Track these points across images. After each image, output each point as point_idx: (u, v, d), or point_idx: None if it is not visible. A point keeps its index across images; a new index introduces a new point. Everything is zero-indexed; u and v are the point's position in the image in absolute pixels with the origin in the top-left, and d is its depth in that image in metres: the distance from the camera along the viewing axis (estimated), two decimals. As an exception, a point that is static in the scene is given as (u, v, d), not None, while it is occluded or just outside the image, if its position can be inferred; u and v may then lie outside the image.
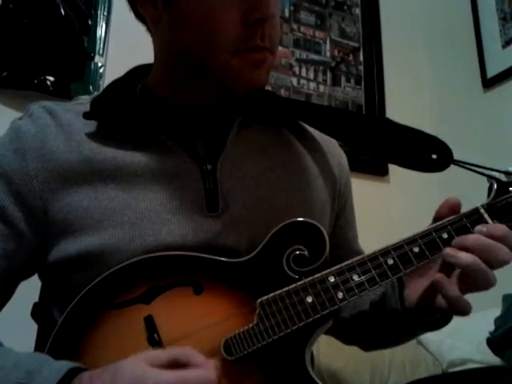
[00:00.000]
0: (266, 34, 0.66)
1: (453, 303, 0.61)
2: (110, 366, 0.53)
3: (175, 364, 0.53)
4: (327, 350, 1.15)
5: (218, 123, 0.73)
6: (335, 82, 1.93)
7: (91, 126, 0.70)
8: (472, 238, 0.61)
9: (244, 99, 0.74)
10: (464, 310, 0.61)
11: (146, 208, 0.66)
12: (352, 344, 0.86)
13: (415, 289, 0.68)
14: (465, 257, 0.60)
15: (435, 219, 0.67)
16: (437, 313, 0.66)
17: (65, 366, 0.55)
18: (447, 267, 0.63)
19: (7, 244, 0.66)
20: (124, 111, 0.71)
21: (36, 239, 0.67)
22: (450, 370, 1.29)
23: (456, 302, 0.61)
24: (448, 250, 0.62)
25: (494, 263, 0.60)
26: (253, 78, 0.67)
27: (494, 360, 1.21)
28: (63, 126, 0.70)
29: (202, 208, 0.68)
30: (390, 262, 0.63)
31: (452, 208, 0.66)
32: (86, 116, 0.70)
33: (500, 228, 0.61)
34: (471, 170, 0.71)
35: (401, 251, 0.63)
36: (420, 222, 0.69)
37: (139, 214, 0.66)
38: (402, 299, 0.69)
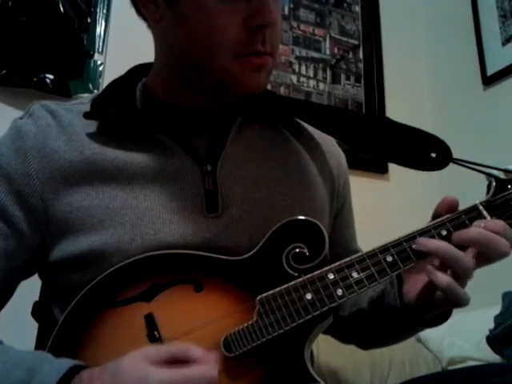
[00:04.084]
0: (267, 39, 0.66)
1: (445, 292, 0.60)
2: (109, 365, 0.53)
3: (175, 360, 0.53)
4: (327, 349, 1.16)
5: (218, 123, 0.74)
6: (335, 79, 1.93)
7: (92, 125, 0.71)
8: (472, 231, 0.61)
9: (244, 100, 0.74)
10: (459, 300, 0.60)
11: (147, 208, 0.67)
12: (350, 343, 0.86)
13: (414, 284, 0.67)
14: (432, 244, 0.61)
15: (434, 218, 0.67)
16: (437, 308, 0.66)
17: (66, 363, 0.55)
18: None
19: (8, 244, 0.66)
20: (124, 111, 0.71)
21: (37, 239, 0.68)
22: (450, 368, 1.29)
23: (448, 291, 0.60)
24: (419, 240, 0.62)
25: (494, 255, 0.60)
26: (253, 82, 0.67)
27: (493, 358, 1.21)
28: (64, 126, 0.70)
29: (201, 209, 0.68)
30: (389, 259, 0.63)
31: (449, 206, 0.66)
32: (87, 116, 0.70)
33: (498, 223, 0.62)
34: (470, 168, 0.71)
35: (400, 248, 0.64)
36: (419, 220, 0.69)
37: (140, 213, 0.66)
38: (400, 295, 0.69)
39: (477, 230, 0.61)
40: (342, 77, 1.95)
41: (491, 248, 0.60)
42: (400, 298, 0.69)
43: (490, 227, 0.61)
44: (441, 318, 0.69)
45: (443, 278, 0.60)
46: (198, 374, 0.52)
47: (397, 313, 0.70)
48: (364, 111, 1.93)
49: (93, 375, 0.53)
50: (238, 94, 0.70)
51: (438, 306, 0.65)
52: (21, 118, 0.72)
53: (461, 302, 0.61)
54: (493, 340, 1.22)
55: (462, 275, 0.60)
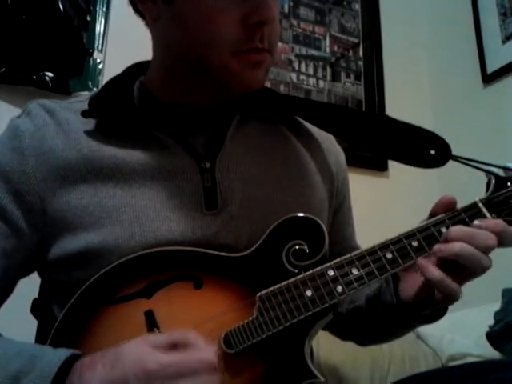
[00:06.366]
0: (266, 36, 0.66)
1: (437, 286, 0.60)
2: (110, 349, 0.54)
3: (175, 347, 0.53)
4: (327, 346, 1.16)
5: (216, 121, 0.74)
6: (335, 77, 1.93)
7: (90, 124, 0.70)
8: (458, 246, 0.60)
9: (242, 97, 0.74)
10: (452, 295, 0.60)
11: (145, 205, 0.66)
12: (348, 339, 0.86)
13: (412, 282, 0.68)
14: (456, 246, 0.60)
15: (431, 217, 0.67)
16: (436, 305, 0.66)
17: (66, 351, 0.55)
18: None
19: (7, 242, 0.66)
20: (122, 109, 0.71)
21: (35, 237, 0.68)
22: (450, 364, 1.29)
23: (440, 284, 0.60)
24: (439, 246, 0.62)
25: (478, 269, 0.60)
26: (251, 79, 0.67)
27: (493, 354, 1.21)
28: (62, 124, 0.70)
29: (200, 206, 0.68)
30: (389, 256, 0.63)
31: (447, 205, 0.66)
32: (85, 114, 0.70)
33: (499, 223, 0.62)
34: (469, 165, 0.71)
35: (400, 245, 0.64)
36: (419, 217, 0.69)
37: (138, 211, 0.66)
38: (397, 293, 0.69)
39: (459, 244, 0.60)
40: (342, 75, 1.95)
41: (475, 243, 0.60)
42: (396, 296, 0.69)
43: (490, 228, 0.61)
44: (438, 313, 0.69)
45: (435, 273, 0.60)
46: (197, 358, 0.52)
47: (394, 310, 0.70)
48: (364, 109, 1.93)
49: (94, 359, 0.53)
50: (236, 91, 0.70)
51: (437, 303, 0.65)
52: (18, 117, 0.72)
53: (454, 296, 0.61)
54: (493, 336, 1.22)
55: (480, 273, 0.60)
